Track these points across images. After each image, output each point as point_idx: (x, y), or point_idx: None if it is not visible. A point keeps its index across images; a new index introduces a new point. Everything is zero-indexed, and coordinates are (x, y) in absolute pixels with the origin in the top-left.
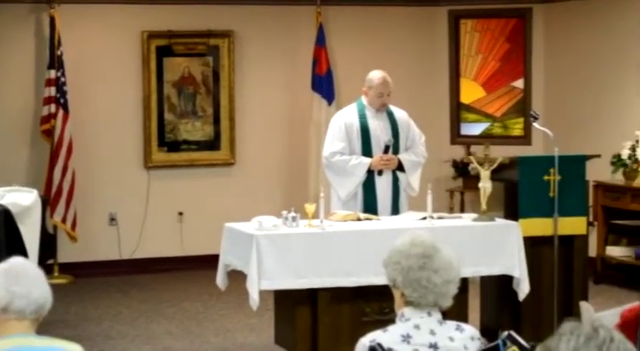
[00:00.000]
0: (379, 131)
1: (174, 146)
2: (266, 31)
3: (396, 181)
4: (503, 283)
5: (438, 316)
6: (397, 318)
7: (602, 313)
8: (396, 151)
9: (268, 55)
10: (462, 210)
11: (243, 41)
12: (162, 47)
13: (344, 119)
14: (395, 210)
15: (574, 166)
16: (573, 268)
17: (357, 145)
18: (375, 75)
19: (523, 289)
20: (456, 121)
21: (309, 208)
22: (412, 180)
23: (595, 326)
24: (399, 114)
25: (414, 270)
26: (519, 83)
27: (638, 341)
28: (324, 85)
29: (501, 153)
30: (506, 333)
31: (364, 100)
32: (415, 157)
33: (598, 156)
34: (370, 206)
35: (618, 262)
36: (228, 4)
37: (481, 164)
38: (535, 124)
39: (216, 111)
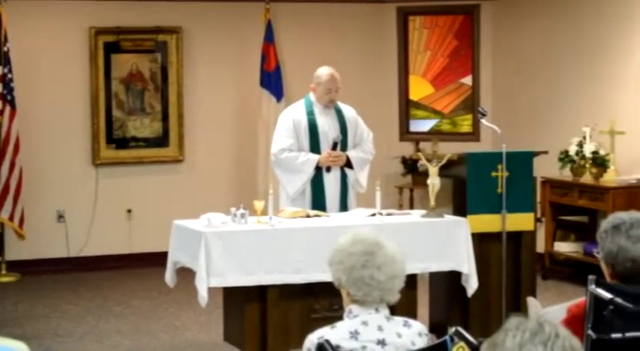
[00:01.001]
0: (327, 128)
1: (123, 143)
2: (214, 28)
3: (344, 178)
4: (452, 279)
5: (385, 312)
6: (345, 315)
7: (549, 309)
8: (344, 148)
9: (217, 51)
10: (412, 206)
11: (192, 38)
12: (110, 43)
13: (292, 116)
14: (343, 207)
15: (522, 162)
16: (521, 263)
17: (306, 141)
18: (323, 71)
19: (471, 285)
20: (404, 118)
21: (258, 204)
22: (360, 177)
23: (540, 322)
24: (347, 111)
25: (357, 268)
26: (468, 80)
27: (585, 336)
28: (272, 81)
29: (450, 149)
30: (453, 329)
31: (312, 96)
32: (363, 154)
33: (545, 152)
34: (318, 203)
35: (566, 257)
36: (176, 0)
37: (429, 161)
38: (483, 121)
39: (164, 108)
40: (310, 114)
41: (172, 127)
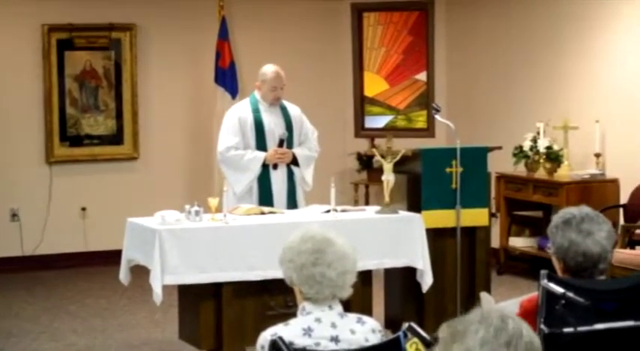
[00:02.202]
0: (273, 125)
1: (77, 141)
2: (168, 25)
3: (291, 175)
4: (407, 275)
5: (339, 309)
6: (298, 312)
7: (502, 304)
8: (289, 146)
9: (171, 48)
10: (367, 203)
11: (146, 35)
12: (63, 40)
13: (237, 114)
14: (291, 204)
15: (476, 157)
16: (476, 259)
17: (252, 139)
18: (268, 69)
19: (426, 280)
20: (360, 114)
21: (213, 202)
22: (306, 174)
23: (503, 316)
24: (293, 109)
25: (307, 267)
26: (422, 76)
27: (538, 330)
28: (227, 78)
29: (405, 145)
30: (407, 325)
31: (257, 94)
32: (309, 152)
33: (499, 148)
34: (266, 200)
35: (521, 252)
36: None
37: (384, 157)
38: (437, 117)
39: (118, 105)
40: (256, 112)
41: (127, 124)
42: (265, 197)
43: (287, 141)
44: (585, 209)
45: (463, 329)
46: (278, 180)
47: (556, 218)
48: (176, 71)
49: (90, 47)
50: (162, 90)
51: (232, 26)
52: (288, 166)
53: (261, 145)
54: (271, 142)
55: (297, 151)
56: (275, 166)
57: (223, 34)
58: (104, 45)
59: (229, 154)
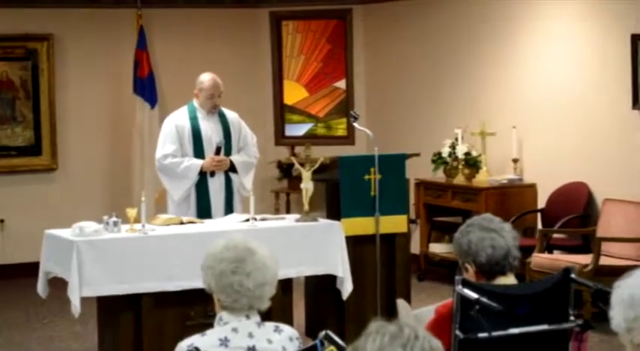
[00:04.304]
0: (210, 133)
1: None
2: (86, 35)
3: (229, 183)
4: (328, 282)
5: (256, 318)
6: (215, 322)
7: (419, 310)
8: (228, 153)
9: (89, 58)
10: (288, 211)
11: (63, 45)
12: None
13: (175, 121)
14: (229, 211)
15: (394, 165)
16: (396, 265)
17: (189, 147)
18: (205, 77)
19: (347, 288)
20: (280, 123)
21: (131, 212)
22: (245, 180)
23: (400, 325)
24: (231, 116)
25: (226, 275)
26: (341, 84)
27: (453, 336)
28: (146, 88)
29: (326, 153)
30: (323, 333)
31: (195, 102)
32: (247, 158)
33: (417, 154)
34: (204, 208)
35: (441, 258)
36: (46, 7)
37: (303, 165)
38: (355, 124)
39: (36, 116)
40: (193, 119)
41: (45, 135)
42: (203, 204)
43: (225, 148)
44: (484, 214)
45: (363, 341)
46: (215, 187)
47: (458, 231)
48: (94, 81)
49: (6, 58)
50: (80, 100)
51: (151, 36)
52: (226, 173)
53: (198, 152)
54: (209, 150)
55: (234, 158)
56: (212, 174)
57: (142, 44)
58: (21, 55)
59: (166, 162)
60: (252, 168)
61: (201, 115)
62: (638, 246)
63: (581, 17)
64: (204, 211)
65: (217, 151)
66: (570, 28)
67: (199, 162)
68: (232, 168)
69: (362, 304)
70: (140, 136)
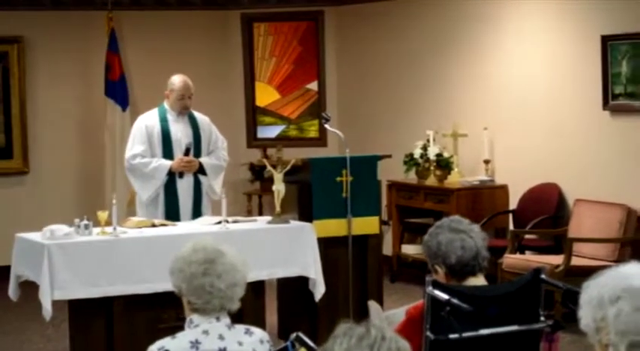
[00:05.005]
0: (180, 134)
1: None
2: (57, 37)
3: (197, 184)
4: (300, 284)
5: (226, 320)
6: (186, 325)
7: (391, 312)
8: (197, 155)
9: (60, 61)
10: (261, 213)
11: (34, 47)
12: None
13: (145, 122)
14: (197, 213)
15: (366, 166)
16: (368, 267)
17: (158, 148)
18: (176, 78)
19: (319, 289)
20: (252, 125)
21: (102, 215)
22: (214, 183)
23: (368, 326)
24: (201, 118)
25: (197, 276)
26: (313, 85)
27: (424, 337)
28: (117, 90)
29: (298, 155)
30: (294, 335)
31: (166, 103)
32: (216, 161)
33: (389, 156)
34: (172, 209)
35: (414, 259)
36: (16, 9)
37: (274, 167)
38: (327, 126)
39: (7, 119)
40: (163, 121)
41: (16, 138)
42: (171, 206)
43: (194, 150)
44: (452, 216)
45: (331, 343)
46: (184, 189)
47: (427, 234)
48: (66, 84)
49: None
50: (51, 103)
51: (122, 38)
52: (195, 175)
53: (167, 154)
54: (178, 151)
55: (204, 160)
56: (181, 175)
57: (113, 47)
58: None
59: (135, 162)
60: (221, 171)
61: (171, 117)
62: (609, 246)
63: (551, 18)
64: (172, 212)
65: (186, 152)
66: (541, 29)
67: (168, 163)
68: (202, 170)
69: (334, 306)
70: (112, 139)
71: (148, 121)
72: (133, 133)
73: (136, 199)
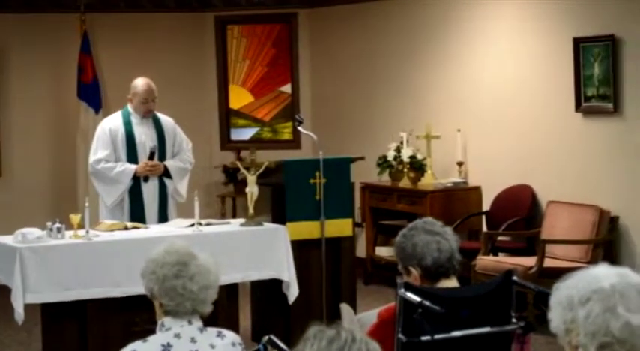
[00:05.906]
0: (144, 138)
1: None
2: (29, 40)
3: (162, 188)
4: (273, 287)
5: (198, 323)
6: (157, 328)
7: (363, 314)
8: (162, 158)
9: (32, 63)
10: (234, 215)
11: (6, 50)
12: None
13: (109, 126)
14: (162, 217)
15: (339, 168)
16: (341, 269)
17: (123, 152)
18: (139, 82)
19: (292, 292)
20: (225, 127)
21: (75, 218)
22: (179, 186)
23: (338, 329)
24: (165, 121)
25: (169, 278)
26: (287, 88)
27: (396, 339)
28: (90, 93)
29: (272, 157)
30: (266, 337)
31: (130, 107)
32: (181, 164)
33: (362, 158)
34: (137, 213)
35: (387, 261)
36: None
37: (248, 169)
38: (300, 129)
39: None
40: (127, 124)
41: None
42: (136, 210)
43: (159, 153)
44: (425, 218)
45: (302, 346)
46: (149, 193)
47: (399, 235)
48: (38, 87)
49: None
50: (23, 106)
51: (95, 40)
52: (160, 178)
53: (132, 157)
54: (142, 155)
55: (168, 163)
56: (146, 179)
57: (85, 49)
58: None
59: (99, 167)
60: (186, 174)
61: (135, 120)
62: (582, 247)
63: (524, 20)
64: (137, 216)
65: (151, 156)
66: (513, 31)
67: (133, 167)
68: (167, 173)
69: (308, 308)
70: (84, 142)
71: (111, 124)
72: (96, 137)
73: (100, 203)
